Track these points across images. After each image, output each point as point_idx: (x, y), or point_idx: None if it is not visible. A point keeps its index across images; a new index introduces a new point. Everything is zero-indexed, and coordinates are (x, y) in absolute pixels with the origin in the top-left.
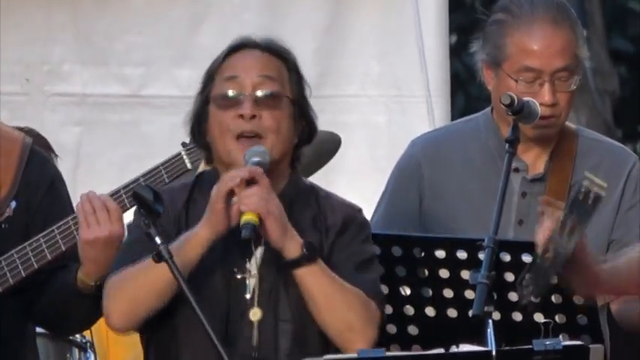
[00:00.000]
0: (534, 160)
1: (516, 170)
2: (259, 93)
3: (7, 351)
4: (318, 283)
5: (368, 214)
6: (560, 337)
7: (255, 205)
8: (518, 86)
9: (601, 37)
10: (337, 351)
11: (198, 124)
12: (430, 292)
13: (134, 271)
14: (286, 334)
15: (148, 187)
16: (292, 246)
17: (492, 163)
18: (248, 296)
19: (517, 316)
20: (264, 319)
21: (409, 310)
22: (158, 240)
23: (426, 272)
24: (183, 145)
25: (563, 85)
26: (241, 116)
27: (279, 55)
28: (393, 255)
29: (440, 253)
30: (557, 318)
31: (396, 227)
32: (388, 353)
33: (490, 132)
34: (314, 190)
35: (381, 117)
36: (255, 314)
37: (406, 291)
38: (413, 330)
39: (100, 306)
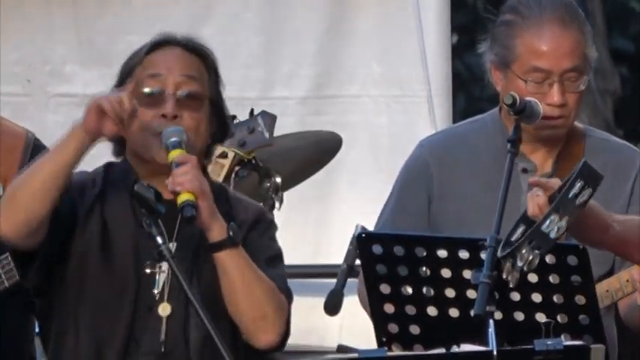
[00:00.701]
0: (542, 160)
1: (524, 171)
2: (181, 93)
3: (12, 344)
4: (238, 268)
5: (370, 213)
6: (562, 337)
7: (190, 184)
8: (528, 87)
9: (602, 36)
10: (245, 346)
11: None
12: (432, 292)
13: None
14: (197, 328)
15: (149, 187)
16: (218, 228)
17: (500, 163)
18: (156, 291)
19: (519, 316)
20: (174, 314)
21: (411, 309)
22: (160, 240)
23: (428, 272)
24: None
25: (572, 86)
26: (164, 115)
27: (199, 53)
28: (395, 254)
29: (442, 253)
30: (558, 318)
31: (404, 228)
32: (389, 353)
33: (497, 132)
34: (223, 189)
35: (382, 117)
36: (164, 309)
37: (408, 290)
38: (414, 329)
39: None
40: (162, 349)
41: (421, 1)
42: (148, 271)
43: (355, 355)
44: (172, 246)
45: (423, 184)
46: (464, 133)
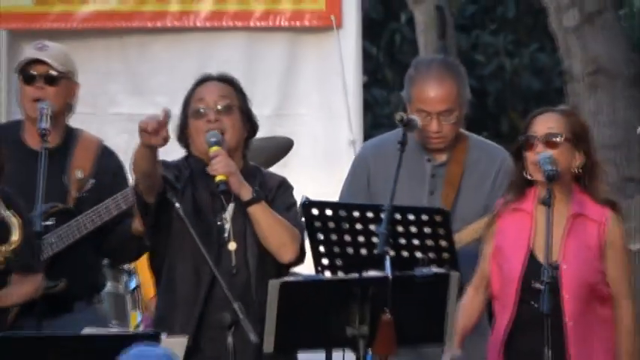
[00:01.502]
0: (439, 153)
1: (428, 160)
2: (219, 106)
3: (88, 274)
4: (263, 215)
5: (311, 192)
6: (432, 267)
7: (222, 169)
8: (419, 117)
9: None
10: (277, 264)
11: (182, 130)
12: (349, 238)
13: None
14: (253, 256)
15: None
16: (245, 192)
17: (411, 158)
18: (225, 235)
19: (405, 254)
20: (238, 249)
21: (336, 249)
22: (177, 204)
23: (347, 225)
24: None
25: (446, 120)
26: (209, 121)
27: (228, 82)
28: (326, 214)
29: (356, 213)
30: (430, 255)
31: (354, 200)
32: (325, 277)
33: (412, 137)
34: (257, 168)
35: (319, 128)
36: (232, 245)
37: (334, 237)
38: (339, 262)
39: (143, 247)
40: (234, 271)
41: (344, 54)
42: (219, 223)
43: (302, 278)
44: (231, 206)
45: (364, 174)
46: (393, 137)
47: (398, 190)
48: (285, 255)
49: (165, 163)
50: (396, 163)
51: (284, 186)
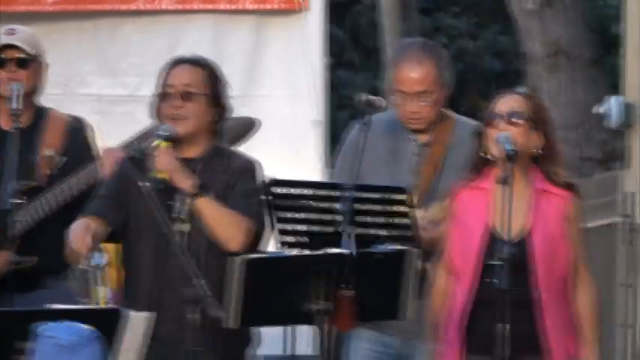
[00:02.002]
0: (423, 133)
1: (413, 140)
2: (183, 92)
3: (59, 250)
4: (207, 209)
5: (276, 168)
6: (394, 244)
7: (162, 167)
8: (398, 100)
9: None
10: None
11: (157, 111)
12: (315, 216)
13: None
14: (204, 238)
15: (139, 150)
16: (189, 187)
17: (396, 138)
18: (181, 216)
19: (367, 231)
20: (191, 231)
21: (302, 227)
22: (148, 184)
23: (312, 204)
24: None
25: (424, 101)
26: (173, 106)
27: (201, 65)
28: (291, 192)
29: (322, 192)
30: (393, 232)
31: (344, 179)
32: (288, 254)
33: (395, 120)
34: (222, 148)
35: (284, 108)
36: (185, 227)
37: (299, 216)
38: (304, 239)
39: None
40: (184, 252)
41: (309, 37)
42: (176, 204)
43: (266, 255)
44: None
45: (353, 151)
46: (381, 117)
47: (382, 169)
48: (231, 246)
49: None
50: (383, 144)
51: (249, 171)
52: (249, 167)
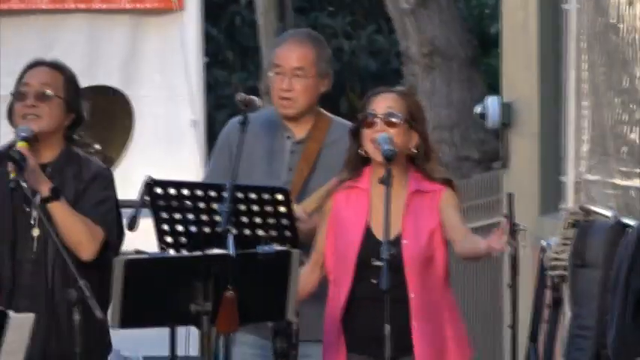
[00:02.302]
0: (299, 131)
1: (288, 137)
2: (38, 92)
3: None
4: (60, 214)
5: (152, 166)
6: (274, 245)
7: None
8: (273, 78)
9: None
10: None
11: (11, 111)
12: (193, 217)
13: None
14: (53, 244)
15: (17, 151)
16: (43, 188)
17: (272, 136)
18: (32, 221)
19: (247, 232)
20: (40, 235)
21: (179, 227)
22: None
23: (190, 204)
24: None
25: (298, 80)
26: (26, 106)
27: (59, 69)
28: (169, 193)
29: (199, 192)
30: (272, 233)
31: (217, 179)
32: (169, 255)
33: (274, 117)
34: (75, 153)
35: (161, 109)
36: (35, 232)
37: (177, 216)
38: (183, 240)
39: None
40: (33, 257)
41: (185, 36)
42: (27, 210)
43: (146, 255)
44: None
45: (227, 150)
46: (258, 116)
47: (258, 167)
48: (82, 253)
49: None
50: (259, 142)
51: (100, 178)
52: (100, 175)
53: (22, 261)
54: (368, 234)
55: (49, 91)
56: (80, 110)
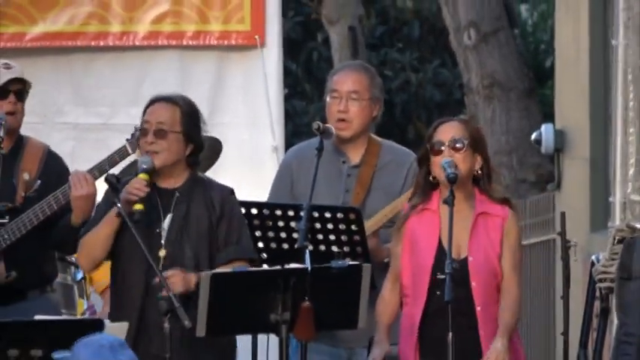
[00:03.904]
0: (353, 155)
1: (344, 162)
2: (155, 129)
3: (40, 265)
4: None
5: (238, 195)
6: (347, 259)
7: (135, 197)
8: (330, 102)
9: None
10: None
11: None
12: (273, 234)
13: (91, 232)
14: (189, 260)
15: (114, 175)
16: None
17: (330, 161)
18: (162, 241)
19: (322, 248)
20: (167, 256)
21: (260, 244)
22: (119, 205)
23: (270, 223)
24: (127, 139)
25: (353, 103)
26: (146, 142)
27: (175, 103)
28: (252, 212)
29: (278, 212)
30: (345, 249)
31: (278, 200)
32: (251, 269)
33: (331, 144)
34: (200, 178)
35: (245, 136)
36: (162, 252)
37: (259, 233)
38: (264, 256)
39: (74, 243)
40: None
41: (267, 70)
42: (157, 231)
43: (229, 270)
44: (169, 217)
45: (288, 176)
46: (312, 145)
47: (318, 189)
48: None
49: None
50: (320, 167)
51: (230, 198)
52: (228, 195)
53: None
54: (440, 251)
55: (165, 127)
56: (199, 139)
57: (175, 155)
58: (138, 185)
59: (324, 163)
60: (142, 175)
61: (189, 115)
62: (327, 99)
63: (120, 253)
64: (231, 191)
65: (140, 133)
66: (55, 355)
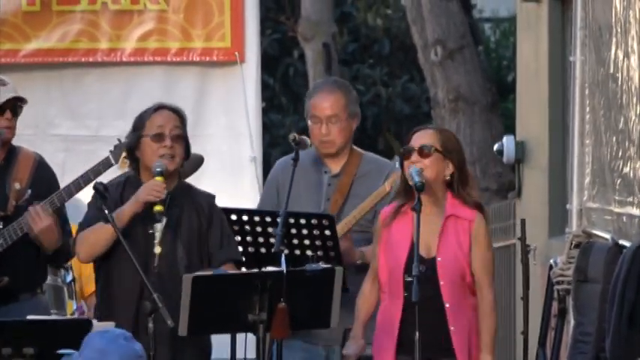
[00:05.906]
0: (334, 166)
1: (325, 172)
2: (174, 133)
3: (31, 270)
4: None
5: (218, 203)
6: (320, 263)
7: (156, 198)
8: (312, 127)
9: None
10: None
11: (132, 148)
12: (251, 239)
13: (91, 230)
14: (182, 259)
15: (101, 184)
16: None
17: (312, 172)
18: (155, 241)
19: (297, 252)
20: (162, 253)
21: (239, 248)
22: (107, 212)
23: (248, 228)
24: (110, 151)
25: (333, 125)
26: (165, 146)
27: (177, 113)
28: (231, 218)
29: (256, 218)
30: (319, 253)
31: (265, 207)
32: (230, 272)
33: (311, 156)
34: (187, 184)
35: (225, 147)
36: (157, 249)
37: (238, 238)
38: (242, 259)
39: (66, 254)
40: (156, 270)
41: (246, 84)
42: (150, 231)
43: (209, 273)
44: (164, 219)
45: (274, 185)
46: (304, 155)
47: (302, 198)
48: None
49: (105, 185)
50: (303, 176)
51: (213, 204)
52: (213, 201)
53: (148, 274)
54: (412, 252)
55: (181, 133)
56: (189, 146)
57: (182, 160)
58: (157, 188)
59: (308, 173)
60: (158, 178)
61: (185, 124)
62: (309, 122)
63: (113, 255)
64: (214, 197)
65: (151, 138)
66: (60, 351)
